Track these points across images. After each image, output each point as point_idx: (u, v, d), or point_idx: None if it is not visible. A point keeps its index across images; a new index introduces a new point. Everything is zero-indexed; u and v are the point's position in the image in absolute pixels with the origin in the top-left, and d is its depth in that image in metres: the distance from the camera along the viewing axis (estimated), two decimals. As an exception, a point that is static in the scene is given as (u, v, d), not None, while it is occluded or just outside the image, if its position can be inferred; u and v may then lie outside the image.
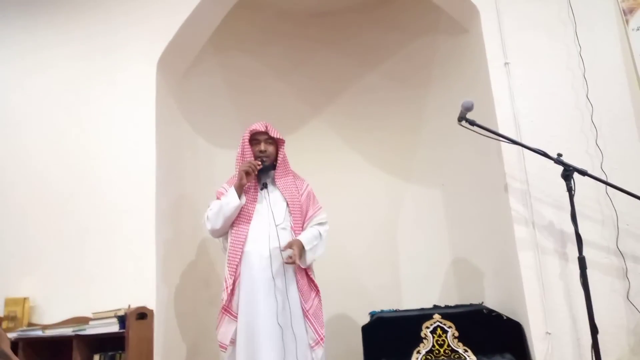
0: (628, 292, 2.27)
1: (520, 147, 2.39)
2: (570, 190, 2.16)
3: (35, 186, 2.91)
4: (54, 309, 2.67)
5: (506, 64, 2.56)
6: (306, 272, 2.44)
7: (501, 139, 2.29)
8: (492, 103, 2.54)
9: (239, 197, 2.46)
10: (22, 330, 2.50)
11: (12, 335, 2.47)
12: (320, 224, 2.58)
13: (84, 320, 2.46)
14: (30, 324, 2.64)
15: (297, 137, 3.69)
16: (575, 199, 2.18)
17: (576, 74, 2.49)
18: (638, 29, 2.47)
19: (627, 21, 2.49)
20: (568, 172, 2.16)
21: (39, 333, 2.46)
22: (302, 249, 2.39)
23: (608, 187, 2.29)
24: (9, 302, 2.68)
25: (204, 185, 3.15)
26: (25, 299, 2.68)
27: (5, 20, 3.18)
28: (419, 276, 3.41)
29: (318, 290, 2.46)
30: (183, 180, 3.07)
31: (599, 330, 2.09)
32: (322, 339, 2.35)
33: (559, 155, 2.20)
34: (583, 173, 2.17)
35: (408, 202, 3.58)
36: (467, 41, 2.92)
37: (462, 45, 3.02)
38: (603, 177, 2.30)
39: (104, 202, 2.78)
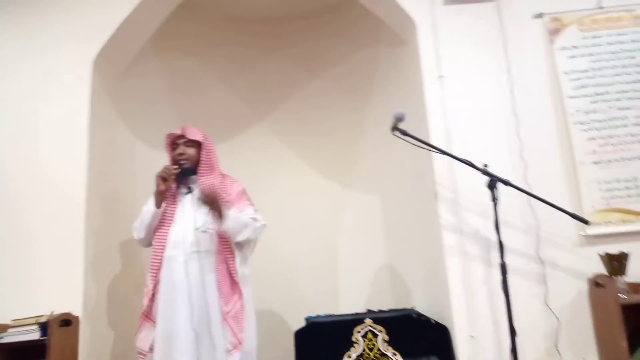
0: (546, 297, 2.39)
1: (450, 157, 2.48)
2: (494, 199, 2.26)
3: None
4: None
5: (440, 77, 2.65)
6: (230, 274, 2.39)
7: (431, 148, 2.37)
8: (425, 114, 2.63)
9: (159, 204, 2.44)
10: None
11: None
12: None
13: (3, 328, 2.34)
14: (-57, 332, 2.49)
15: (239, 141, 3.69)
16: (500, 208, 2.29)
17: (505, 89, 2.62)
18: (562, 49, 2.62)
19: (552, 41, 2.64)
20: (492, 182, 2.27)
21: (-48, 341, 2.33)
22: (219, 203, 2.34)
23: (531, 198, 2.42)
24: None
25: (141, 189, 3.07)
26: (-62, 305, 2.53)
27: None
28: (356, 282, 3.46)
29: (241, 294, 2.39)
30: (117, 184, 2.99)
31: (519, 332, 2.20)
32: (240, 343, 2.29)
33: (485, 165, 2.30)
34: (506, 183, 2.28)
35: (348, 209, 3.63)
36: (405, 53, 3.01)
37: (401, 57, 3.11)
38: (526, 188, 2.42)
39: (30, 205, 2.66)
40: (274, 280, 3.49)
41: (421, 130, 2.60)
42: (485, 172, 2.29)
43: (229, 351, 2.30)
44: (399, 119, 2.25)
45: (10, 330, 2.31)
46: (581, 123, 2.53)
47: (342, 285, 3.52)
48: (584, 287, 2.40)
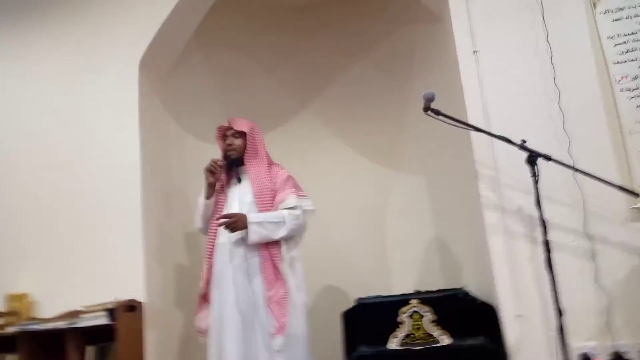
0: (596, 274, 2.31)
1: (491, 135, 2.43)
2: (534, 175, 2.20)
3: (28, 188, 3.06)
4: (52, 304, 2.81)
5: (475, 52, 2.59)
6: (272, 262, 2.49)
7: (464, 126, 2.34)
8: (462, 91, 2.58)
9: (209, 195, 2.60)
10: (20, 325, 2.65)
11: (12, 329, 2.63)
12: (290, 208, 2.57)
13: (76, 314, 2.60)
14: (30, 319, 2.79)
15: (285, 131, 3.79)
16: (544, 183, 2.21)
17: (544, 59, 2.50)
18: (605, 13, 2.47)
19: (594, 5, 2.49)
20: (532, 158, 2.20)
21: (35, 327, 2.61)
22: (243, 222, 2.43)
23: (576, 172, 2.33)
24: (10, 298, 2.84)
25: (194, 181, 3.25)
26: (24, 295, 2.84)
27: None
28: (407, 262, 3.49)
29: (284, 281, 2.48)
30: (171, 177, 3.19)
31: (568, 311, 2.14)
32: (282, 327, 2.39)
33: (523, 141, 2.24)
34: (547, 158, 2.20)
35: (395, 190, 3.65)
36: (441, 29, 2.95)
37: (437, 34, 3.05)
38: (570, 162, 2.33)
39: (92, 200, 2.92)
40: (326, 263, 3.59)
41: (459, 107, 2.56)
42: (523, 148, 2.22)
43: (272, 335, 2.42)
44: (429, 99, 2.22)
45: (82, 315, 2.56)
46: (629, 89, 2.38)
47: (392, 265, 3.55)
48: (637, 262, 2.28)
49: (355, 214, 3.67)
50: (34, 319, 2.77)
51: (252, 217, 2.46)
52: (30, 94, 3.20)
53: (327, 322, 3.19)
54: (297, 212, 2.56)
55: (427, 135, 3.38)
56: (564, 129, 2.43)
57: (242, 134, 2.68)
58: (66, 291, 2.82)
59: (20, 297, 2.83)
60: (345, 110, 3.77)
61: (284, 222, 2.50)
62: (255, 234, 2.44)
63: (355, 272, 3.58)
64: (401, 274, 3.49)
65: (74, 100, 3.10)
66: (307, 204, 2.66)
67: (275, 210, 2.56)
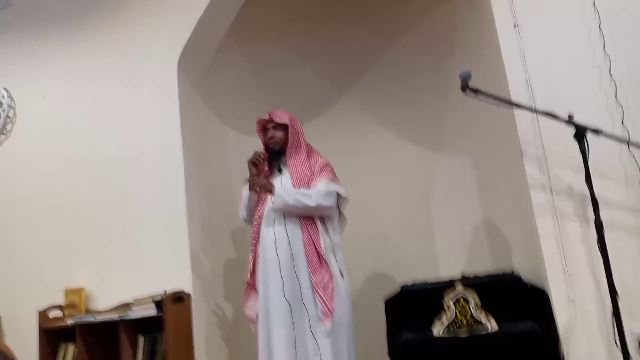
0: (655, 253, 2.16)
1: (532, 112, 2.31)
2: (583, 151, 2.07)
3: (81, 188, 3.21)
4: (106, 296, 2.95)
5: (515, 25, 2.46)
6: (315, 249, 2.51)
7: (505, 104, 2.23)
8: (503, 67, 2.46)
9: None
10: (77, 317, 2.79)
11: (70, 321, 2.77)
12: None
13: (128, 306, 2.70)
14: (87, 311, 2.93)
15: (326, 118, 3.76)
16: (595, 158, 2.10)
17: (591, 26, 2.35)
18: (658, -29, 2.28)
19: (645, -37, 2.31)
20: (580, 133, 2.07)
21: (90, 319, 2.74)
22: (269, 186, 2.52)
23: (631, 144, 2.18)
24: (68, 292, 2.99)
25: (236, 174, 3.29)
26: (81, 289, 2.99)
27: (44, 35, 3.45)
28: (454, 245, 3.40)
29: (329, 267, 2.50)
30: (214, 172, 3.26)
31: (623, 293, 2.03)
32: (330, 312, 2.41)
33: (570, 116, 2.11)
34: (597, 132, 2.07)
35: (440, 173, 3.55)
36: (479, 5, 2.82)
37: (476, 10, 2.91)
38: (625, 134, 2.19)
39: (139, 197, 3.04)
40: (372, 250, 3.56)
41: (501, 84, 2.45)
42: (570, 122, 2.10)
43: (321, 320, 2.43)
44: (465, 77, 2.14)
45: (133, 307, 2.66)
46: (687, 53, 2.20)
47: (439, 249, 3.47)
48: (699, 239, 2.12)
49: (400, 199, 3.61)
50: (90, 311, 2.91)
51: (278, 186, 2.53)
52: (77, 97, 3.33)
53: (371, 308, 3.17)
54: (322, 189, 2.56)
55: (471, 115, 3.25)
56: (617, 99, 2.27)
57: (282, 126, 2.70)
58: (118, 284, 2.94)
59: (77, 291, 2.97)
60: (386, 94, 3.69)
61: (310, 195, 2.51)
62: (279, 197, 2.50)
63: (400, 257, 3.53)
64: (448, 258, 3.41)
65: (117, 102, 3.21)
66: (338, 188, 2.66)
67: None
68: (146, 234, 2.97)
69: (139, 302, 2.65)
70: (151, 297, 2.62)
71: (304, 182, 2.60)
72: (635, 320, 2.14)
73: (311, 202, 2.50)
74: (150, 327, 2.67)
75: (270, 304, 2.49)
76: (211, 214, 3.13)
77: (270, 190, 2.53)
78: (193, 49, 3.10)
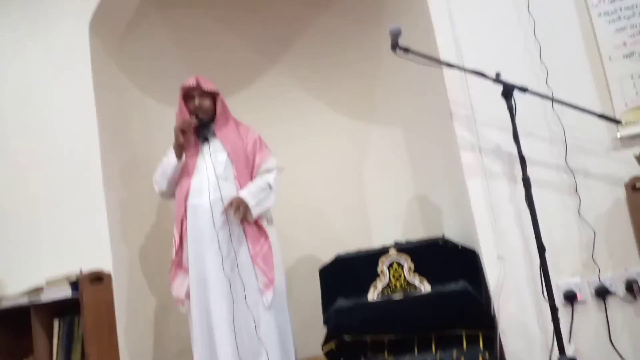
0: (579, 208, 2.22)
1: (462, 72, 2.30)
2: (510, 109, 2.09)
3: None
4: (15, 281, 2.67)
5: (443, -14, 2.44)
6: (255, 220, 2.43)
7: (434, 63, 2.21)
8: (432, 29, 2.43)
9: (180, 155, 2.46)
10: (-20, 304, 2.52)
11: (-28, 309, 2.50)
12: (268, 171, 2.54)
13: (41, 290, 2.46)
14: (-7, 297, 2.66)
15: (254, 90, 3.64)
16: (521, 117, 2.13)
17: (517, -13, 2.37)
18: None
19: None
20: (507, 90, 2.09)
21: (-4, 305, 2.49)
22: (246, 207, 2.36)
23: (555, 103, 2.22)
24: (-31, 278, 2.69)
25: (158, 146, 3.09)
26: (-15, 274, 2.70)
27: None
28: (387, 217, 3.39)
29: (267, 236, 2.44)
30: (133, 142, 3.04)
31: (551, 248, 2.09)
32: (271, 281, 2.36)
33: (497, 74, 2.12)
34: (523, 90, 2.09)
35: (372, 144, 3.52)
36: (409, -33, 2.78)
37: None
38: (549, 93, 2.22)
39: (51, 172, 2.78)
40: (305, 223, 3.49)
41: (430, 47, 2.42)
42: (498, 81, 2.10)
43: (261, 291, 2.36)
44: (395, 33, 2.09)
45: (45, 290, 2.43)
46: (607, 13, 2.25)
47: (373, 221, 3.46)
48: (621, 193, 2.18)
49: (332, 171, 3.55)
50: (-3, 297, 2.63)
51: (248, 198, 2.40)
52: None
53: (306, 282, 3.12)
54: (274, 173, 2.56)
55: (401, 84, 3.24)
56: (541, 60, 2.30)
57: (209, 95, 2.56)
58: (30, 268, 2.68)
59: (-19, 277, 2.69)
60: (315, 64, 3.59)
61: (271, 189, 2.50)
62: (257, 213, 2.43)
63: (334, 230, 3.48)
64: (382, 229, 3.39)
65: (23, 70, 2.91)
66: (278, 162, 2.64)
67: (255, 171, 2.53)
68: (59, 212, 2.72)
69: (53, 283, 2.42)
70: (66, 277, 2.40)
71: (239, 153, 2.51)
72: (562, 275, 2.21)
73: (274, 198, 2.51)
74: (67, 310, 2.46)
75: (208, 280, 2.36)
76: (131, 189, 2.91)
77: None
78: (106, 10, 2.85)
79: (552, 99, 2.15)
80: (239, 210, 2.33)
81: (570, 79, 2.28)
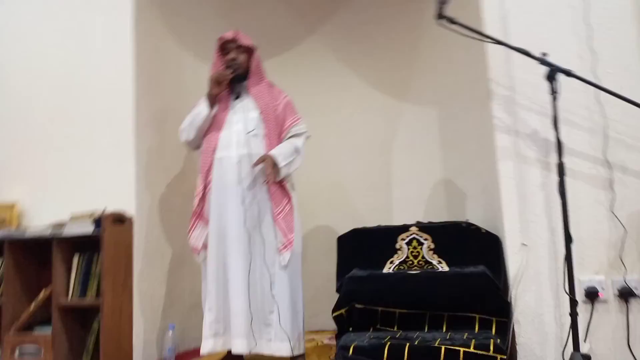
0: (612, 204, 2.14)
1: (507, 51, 2.23)
2: (553, 92, 2.01)
3: (19, 98, 2.97)
4: (42, 214, 2.75)
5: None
6: (280, 180, 2.43)
7: (481, 37, 2.14)
8: (479, 2, 2.36)
9: (211, 106, 2.45)
10: (6, 231, 2.58)
11: (-2, 235, 2.58)
12: (297, 135, 2.53)
13: (64, 225, 2.51)
14: (19, 227, 2.72)
15: (290, 56, 3.62)
16: (564, 105, 2.07)
17: (573, -30, 2.27)
18: None
19: None
20: (552, 72, 2.01)
21: (21, 234, 2.54)
22: (275, 165, 2.35)
23: (601, 93, 2.13)
24: (-2, 207, 2.77)
25: (190, 100, 3.09)
26: (13, 204, 2.77)
27: None
28: (411, 197, 3.36)
29: (290, 198, 2.44)
30: (167, 93, 3.05)
31: (578, 242, 2.03)
32: (290, 242, 2.36)
33: (544, 54, 2.05)
34: (568, 73, 2.01)
35: (403, 123, 3.48)
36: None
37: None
38: (595, 82, 2.13)
39: (84, 111, 2.81)
40: (326, 196, 3.50)
41: (476, 23, 2.34)
42: (543, 62, 2.03)
43: (279, 250, 2.37)
44: (442, 1, 2.03)
45: (68, 224, 2.48)
46: (667, 3, 2.15)
47: (395, 201, 3.43)
48: (658, 193, 2.11)
49: (359, 146, 3.54)
50: (22, 227, 2.70)
51: (278, 158, 2.38)
52: (26, 9, 3.04)
53: (321, 255, 3.13)
54: (303, 138, 2.56)
55: (440, 61, 3.18)
56: (590, 46, 2.21)
57: (245, 50, 2.54)
58: (56, 203, 2.74)
59: (9, 207, 2.76)
60: (353, 35, 3.56)
61: (299, 154, 2.49)
62: (284, 174, 2.42)
63: (355, 206, 3.47)
64: (403, 210, 3.36)
65: (67, 9, 2.94)
66: (308, 132, 2.63)
67: (284, 134, 2.52)
68: (90, 152, 2.76)
69: (76, 218, 2.47)
70: (89, 214, 2.44)
71: (270, 112, 2.49)
72: (585, 271, 2.14)
73: (300, 161, 2.50)
74: (87, 247, 2.51)
75: (228, 233, 2.37)
76: (160, 137, 2.93)
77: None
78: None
79: (597, 86, 2.06)
80: (269, 166, 2.32)
81: (619, 70, 2.19)
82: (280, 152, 2.41)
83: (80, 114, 2.82)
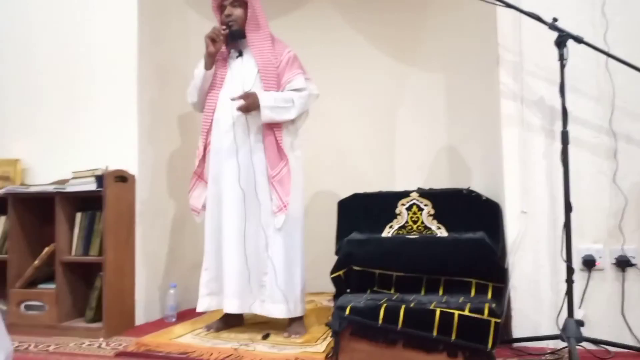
0: (615, 174, 2.13)
1: (517, 15, 2.18)
2: (562, 58, 1.98)
3: (22, 54, 2.93)
4: (45, 171, 2.76)
5: None
6: (276, 141, 2.39)
7: (492, 0, 2.08)
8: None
9: (209, 66, 2.42)
10: (10, 187, 2.60)
11: (1, 191, 2.58)
12: (297, 89, 2.44)
13: (67, 182, 2.53)
14: (22, 184, 2.74)
15: (296, 16, 3.53)
16: (571, 72, 2.03)
17: None
18: None
19: None
20: (561, 38, 1.97)
21: (24, 190, 2.56)
22: (255, 102, 2.31)
23: (610, 61, 2.09)
24: (2, 162, 2.78)
25: (193, 58, 3.06)
26: (17, 160, 2.78)
27: None
28: (414, 164, 3.35)
29: (287, 161, 2.40)
30: (170, 51, 3.01)
31: (578, 211, 2.02)
32: (285, 206, 2.35)
33: (554, 19, 2.00)
34: (578, 40, 1.97)
35: (409, 86, 3.43)
36: None
37: None
38: (605, 49, 2.09)
39: (87, 68, 2.79)
40: (329, 159, 3.49)
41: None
42: (553, 27, 1.99)
43: (274, 213, 2.36)
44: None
45: (71, 181, 2.50)
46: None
47: (398, 167, 3.42)
48: (662, 164, 2.09)
49: (363, 109, 3.50)
50: (26, 185, 2.72)
51: (264, 99, 2.33)
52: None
53: (321, 219, 3.11)
54: (304, 93, 2.45)
55: (448, 24, 3.12)
56: (603, 12, 2.15)
57: (241, 3, 2.46)
58: (59, 160, 2.75)
59: (12, 162, 2.77)
60: (364, -1, 3.47)
61: (293, 105, 2.40)
62: (266, 117, 2.34)
63: (357, 170, 3.46)
64: (406, 176, 3.35)
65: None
66: (313, 87, 2.54)
67: (282, 90, 2.43)
68: (92, 109, 2.75)
69: (79, 175, 2.48)
70: (92, 172, 2.45)
71: (270, 69, 2.43)
72: (584, 240, 2.14)
73: (293, 114, 2.39)
74: (90, 205, 2.53)
75: (224, 194, 2.38)
76: (162, 96, 2.90)
77: (257, 106, 2.32)
78: None
79: (608, 55, 2.02)
80: (247, 100, 2.29)
81: (630, 38, 2.14)
82: (270, 95, 2.36)
83: (82, 70, 2.79)
